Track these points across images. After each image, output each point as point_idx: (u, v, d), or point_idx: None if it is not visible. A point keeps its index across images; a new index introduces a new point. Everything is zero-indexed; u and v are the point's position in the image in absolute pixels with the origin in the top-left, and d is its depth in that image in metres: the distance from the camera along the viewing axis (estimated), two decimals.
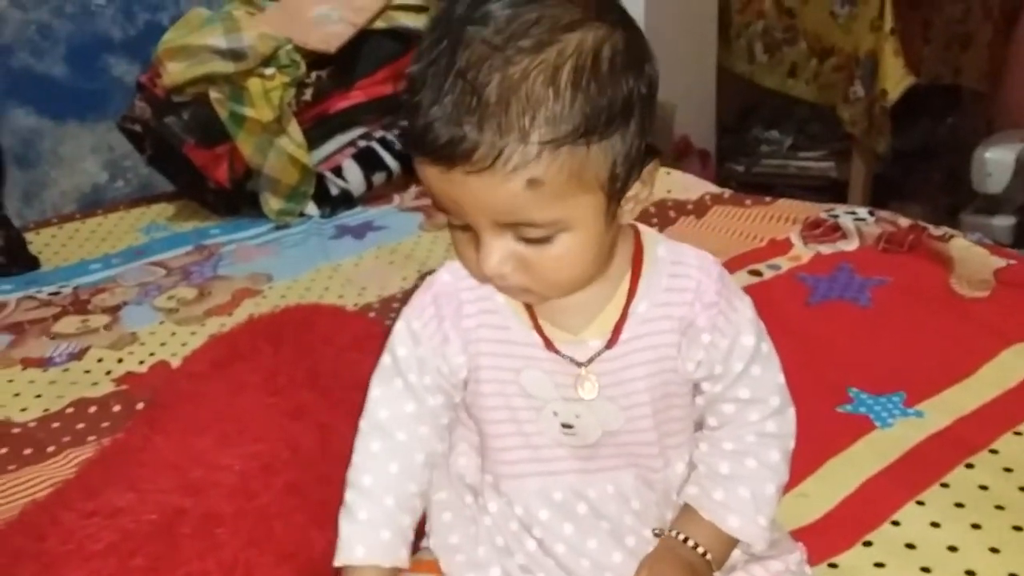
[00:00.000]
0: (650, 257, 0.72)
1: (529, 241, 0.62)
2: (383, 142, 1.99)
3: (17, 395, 1.26)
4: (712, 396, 0.74)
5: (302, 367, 1.00)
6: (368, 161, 1.96)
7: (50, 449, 1.11)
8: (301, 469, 0.83)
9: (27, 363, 1.35)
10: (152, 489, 0.80)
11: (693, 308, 0.70)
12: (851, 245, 1.43)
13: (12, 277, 1.66)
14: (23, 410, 1.22)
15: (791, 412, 0.76)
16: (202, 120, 1.88)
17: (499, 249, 0.63)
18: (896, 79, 2.49)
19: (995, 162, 2.24)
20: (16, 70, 1.93)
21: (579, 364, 0.70)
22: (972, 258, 1.32)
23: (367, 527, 0.72)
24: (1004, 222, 2.28)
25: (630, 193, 0.65)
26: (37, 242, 1.80)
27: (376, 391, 0.75)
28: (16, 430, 1.17)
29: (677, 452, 0.76)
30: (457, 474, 0.77)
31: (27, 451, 1.12)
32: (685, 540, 0.72)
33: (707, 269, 0.72)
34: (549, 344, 0.70)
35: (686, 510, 0.75)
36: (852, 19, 2.58)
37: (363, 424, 0.74)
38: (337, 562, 0.72)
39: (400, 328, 0.74)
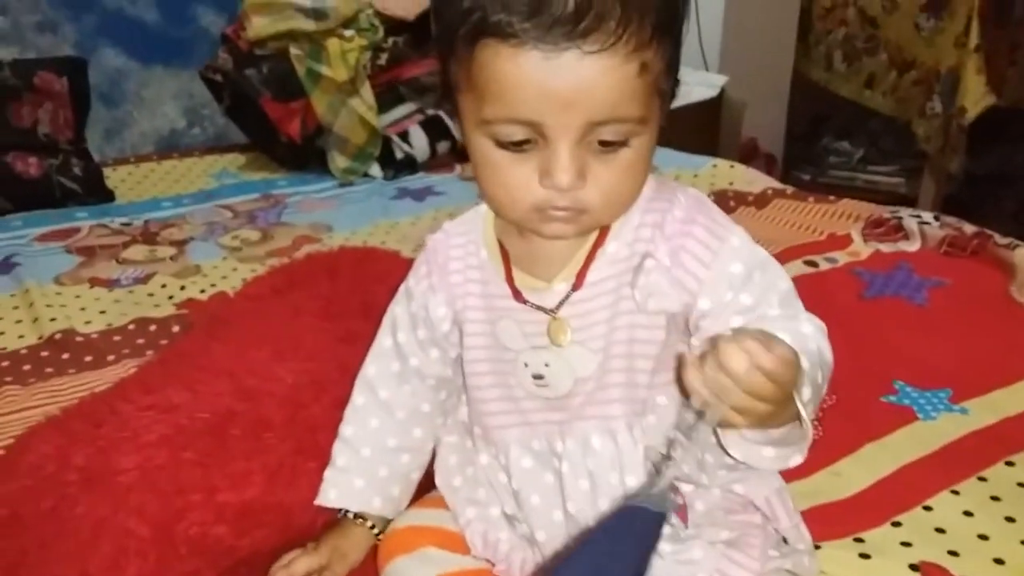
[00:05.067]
0: None
1: (605, 146, 0.59)
2: (450, 112, 2.02)
3: (83, 309, 1.32)
4: (707, 329, 0.66)
5: (355, 299, 1.03)
6: (434, 129, 1.99)
7: (110, 358, 1.17)
8: (349, 387, 0.85)
9: (95, 282, 1.41)
10: (207, 391, 0.84)
11: (653, 242, 0.67)
12: (913, 246, 1.40)
13: (87, 206, 1.74)
14: (87, 323, 1.28)
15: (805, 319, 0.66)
16: (280, 75, 1.93)
17: (577, 158, 0.59)
18: (976, 97, 2.43)
19: None
20: (110, 11, 2.00)
21: (548, 311, 0.68)
22: None
23: (342, 474, 0.77)
24: None
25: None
26: (114, 177, 1.88)
27: (373, 348, 0.79)
28: (79, 339, 1.22)
29: (652, 404, 0.70)
30: (461, 421, 0.80)
31: (88, 358, 1.17)
32: None
33: (676, 200, 0.67)
34: (517, 294, 0.69)
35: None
36: (937, 33, 2.52)
37: (357, 378, 0.78)
38: (316, 502, 0.77)
39: (401, 288, 0.78)
